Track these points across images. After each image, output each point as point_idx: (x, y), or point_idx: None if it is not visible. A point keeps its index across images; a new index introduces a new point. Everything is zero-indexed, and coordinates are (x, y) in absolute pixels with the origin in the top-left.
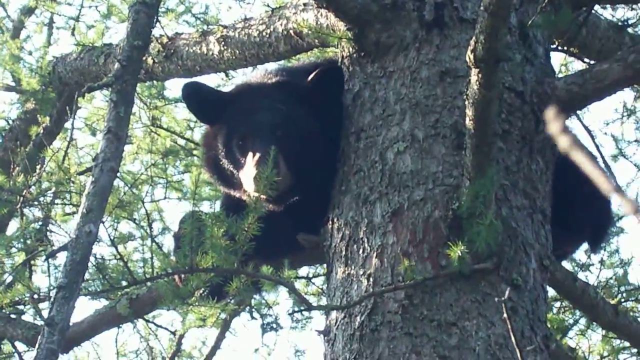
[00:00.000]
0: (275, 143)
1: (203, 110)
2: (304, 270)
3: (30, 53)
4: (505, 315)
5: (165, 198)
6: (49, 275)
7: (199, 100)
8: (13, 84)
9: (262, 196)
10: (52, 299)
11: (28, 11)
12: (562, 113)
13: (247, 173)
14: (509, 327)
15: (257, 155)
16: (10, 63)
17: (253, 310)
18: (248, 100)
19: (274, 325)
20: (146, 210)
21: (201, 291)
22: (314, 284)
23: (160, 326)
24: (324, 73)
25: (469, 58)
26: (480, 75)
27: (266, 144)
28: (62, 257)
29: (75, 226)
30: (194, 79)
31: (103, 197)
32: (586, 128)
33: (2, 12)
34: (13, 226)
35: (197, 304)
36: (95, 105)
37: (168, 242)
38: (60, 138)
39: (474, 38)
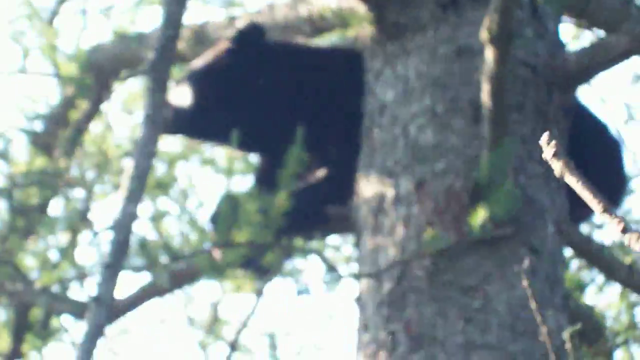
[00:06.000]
0: None
1: None
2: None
3: (65, 40)
4: (525, 283)
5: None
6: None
7: None
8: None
9: None
10: (99, 277)
11: None
12: (574, 84)
13: None
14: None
15: None
16: (48, 51)
17: (286, 277)
18: None
19: (306, 289)
20: (181, 188)
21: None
22: (341, 252)
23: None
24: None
25: (484, 36)
26: (494, 52)
27: None
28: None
29: (117, 207)
30: None
31: (142, 180)
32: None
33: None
34: (52, 206)
35: (233, 275)
36: (130, 89)
37: (203, 217)
38: (98, 121)
39: (487, 17)
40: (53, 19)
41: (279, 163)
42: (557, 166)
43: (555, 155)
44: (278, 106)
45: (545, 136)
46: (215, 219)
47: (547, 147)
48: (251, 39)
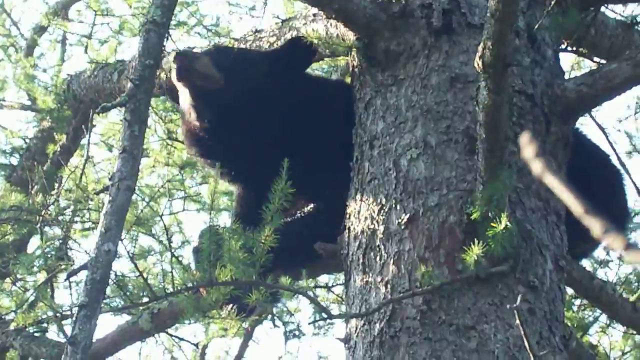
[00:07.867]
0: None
1: None
2: (323, 279)
3: (44, 71)
4: (518, 321)
5: (183, 210)
6: (71, 293)
7: None
8: (29, 102)
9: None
10: (74, 318)
11: (40, 29)
12: (574, 114)
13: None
14: (524, 332)
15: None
16: (25, 82)
17: (275, 318)
18: None
19: (297, 333)
20: (164, 224)
21: (221, 304)
22: (333, 292)
23: (183, 339)
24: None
25: (478, 64)
26: (489, 81)
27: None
28: (83, 274)
29: (94, 245)
30: None
31: (121, 216)
32: (599, 126)
33: (15, 31)
34: (32, 244)
35: (218, 316)
36: (110, 121)
37: (188, 255)
38: (77, 155)
39: (481, 44)
40: (31, 49)
41: (261, 198)
42: (537, 166)
43: (535, 155)
44: (271, 132)
45: (525, 135)
46: (197, 253)
47: (527, 147)
48: (302, 52)
